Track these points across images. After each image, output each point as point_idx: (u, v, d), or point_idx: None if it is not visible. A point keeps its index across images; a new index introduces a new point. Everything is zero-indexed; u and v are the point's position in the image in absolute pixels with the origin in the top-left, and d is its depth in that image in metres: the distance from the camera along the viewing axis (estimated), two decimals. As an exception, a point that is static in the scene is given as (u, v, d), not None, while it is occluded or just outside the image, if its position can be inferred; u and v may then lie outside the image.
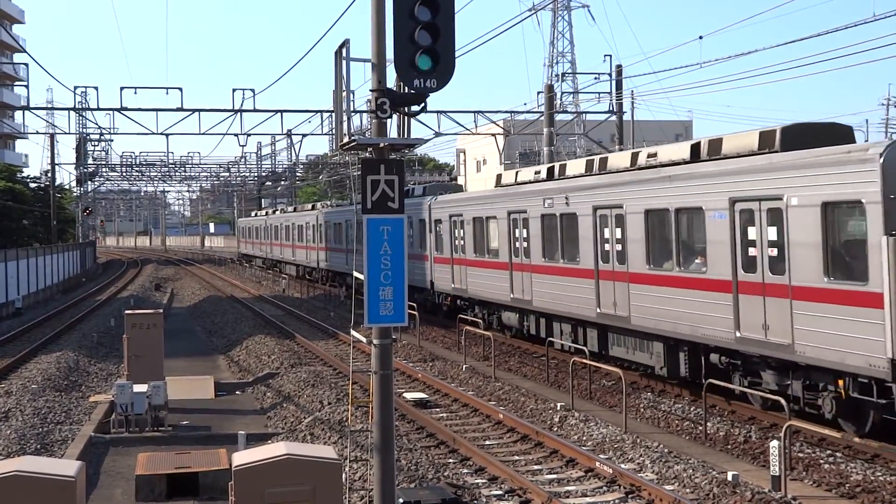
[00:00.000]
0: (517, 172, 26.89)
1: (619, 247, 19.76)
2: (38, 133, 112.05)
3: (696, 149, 17.82)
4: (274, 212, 71.12)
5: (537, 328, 24.48)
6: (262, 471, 8.64)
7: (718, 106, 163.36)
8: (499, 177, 28.20)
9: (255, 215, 79.19)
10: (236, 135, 43.16)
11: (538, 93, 41.38)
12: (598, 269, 20.51)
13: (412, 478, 12.83)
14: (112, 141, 76.99)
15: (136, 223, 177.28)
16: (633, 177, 19.33)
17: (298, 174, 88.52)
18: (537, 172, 25.04)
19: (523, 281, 24.53)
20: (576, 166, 22.88)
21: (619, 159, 20.83)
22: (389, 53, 9.29)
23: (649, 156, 19.35)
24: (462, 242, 29.23)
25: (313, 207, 56.34)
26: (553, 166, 24.25)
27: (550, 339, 22.77)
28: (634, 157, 20.01)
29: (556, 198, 22.46)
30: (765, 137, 15.99)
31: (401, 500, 11.32)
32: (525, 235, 24.48)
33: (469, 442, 15.31)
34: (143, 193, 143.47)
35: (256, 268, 71.38)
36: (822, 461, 13.74)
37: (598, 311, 20.52)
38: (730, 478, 12.39)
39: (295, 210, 63.67)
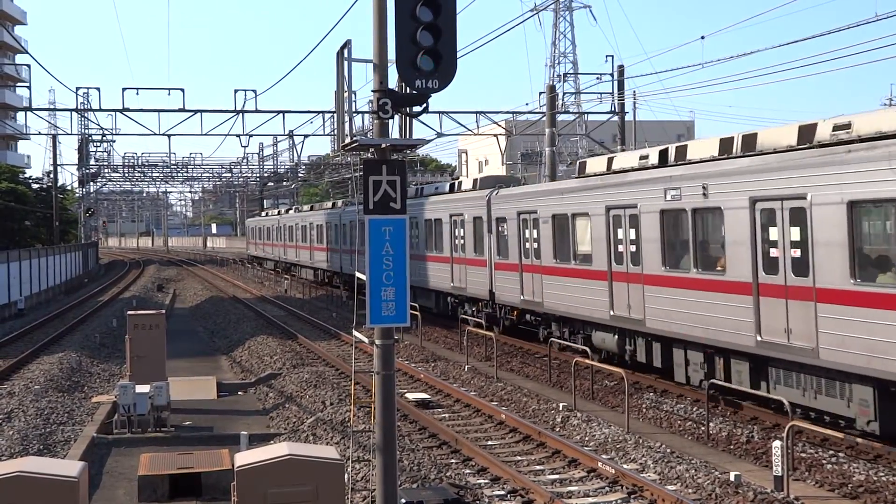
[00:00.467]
0: (610, 158, 21.76)
1: (796, 252, 14.81)
2: (40, 134, 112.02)
3: None
4: (287, 210, 68.12)
5: (649, 354, 19.40)
6: (265, 471, 8.64)
7: (720, 106, 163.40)
8: (582, 164, 23.21)
9: (267, 214, 75.83)
10: (238, 135, 43.39)
11: (540, 93, 41.41)
12: (759, 281, 15.56)
13: (414, 478, 12.83)
14: (114, 142, 77.03)
15: (139, 224, 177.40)
16: (820, 158, 14.22)
17: (300, 175, 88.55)
18: (644, 157, 19.93)
19: (630, 295, 19.55)
20: (703, 148, 17.97)
21: (776, 136, 15.86)
22: (391, 54, 9.31)
23: (837, 128, 14.41)
24: (536, 245, 24.21)
25: (334, 205, 51.90)
26: (666, 149, 19.24)
27: (667, 367, 18.50)
28: (807, 131, 15.02)
29: (686, 187, 17.46)
30: None
31: (403, 501, 11.32)
32: (633, 237, 19.44)
33: (471, 442, 15.32)
34: (145, 194, 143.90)
35: (268, 270, 68.55)
36: (824, 461, 13.74)
37: (759, 338, 15.49)
38: (732, 478, 12.39)
39: (312, 208, 59.12)
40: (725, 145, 17.13)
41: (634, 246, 19.41)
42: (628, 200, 19.51)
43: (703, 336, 17.10)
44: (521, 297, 25.22)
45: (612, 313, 20.32)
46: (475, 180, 31.31)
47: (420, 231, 33.52)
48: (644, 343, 19.55)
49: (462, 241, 29.46)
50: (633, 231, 19.49)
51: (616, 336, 20.63)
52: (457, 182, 32.58)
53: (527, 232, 24.89)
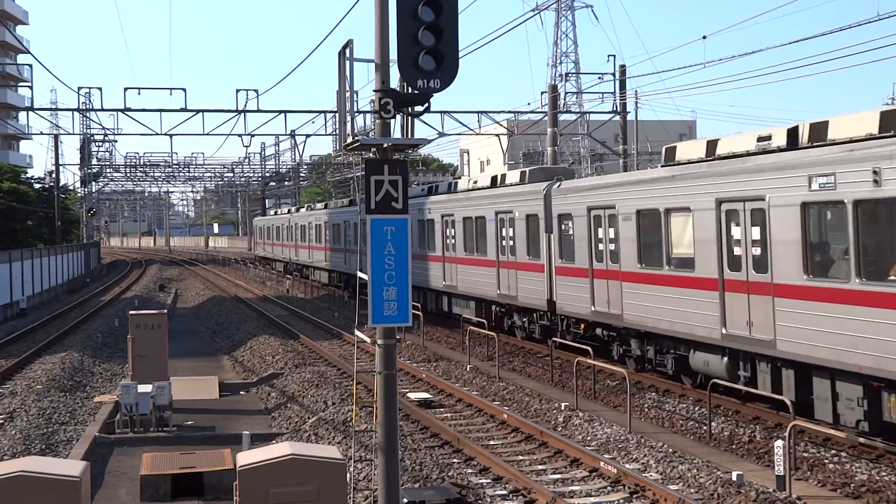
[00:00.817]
0: (711, 142, 17.74)
1: None
2: (42, 134, 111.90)
3: None
4: (299, 208, 66.62)
5: (776, 383, 15.55)
6: (267, 471, 8.65)
7: (722, 105, 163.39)
8: (671, 150, 19.11)
9: (276, 213, 74.35)
10: (240, 135, 43.62)
11: (542, 93, 41.45)
12: None
13: (416, 478, 12.84)
14: (116, 142, 77.21)
15: (140, 224, 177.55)
16: None
17: (302, 174, 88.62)
18: (763, 139, 16.01)
19: (752, 309, 15.88)
20: (852, 124, 14.01)
21: None
22: (393, 54, 9.32)
23: None
24: (612, 247, 20.59)
25: (352, 202, 48.14)
26: (796, 127, 15.32)
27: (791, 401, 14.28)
28: None
29: (844, 174, 13.62)
30: None
31: (405, 500, 11.32)
32: (757, 236, 15.78)
33: (473, 442, 15.32)
34: (147, 194, 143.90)
35: (270, 270, 67.75)
36: (826, 461, 13.73)
37: None
38: (734, 478, 12.39)
39: (326, 206, 55.04)
40: (889, 120, 13.29)
41: (759, 248, 15.77)
42: (751, 192, 15.75)
43: (868, 364, 13.36)
44: (593, 308, 21.50)
45: (724, 331, 16.64)
46: (523, 172, 26.92)
47: (455, 231, 29.99)
48: (770, 369, 15.79)
49: (511, 243, 25.76)
50: (756, 229, 15.82)
51: (726, 359, 17.01)
52: (499, 175, 28.73)
53: (600, 231, 21.20)
